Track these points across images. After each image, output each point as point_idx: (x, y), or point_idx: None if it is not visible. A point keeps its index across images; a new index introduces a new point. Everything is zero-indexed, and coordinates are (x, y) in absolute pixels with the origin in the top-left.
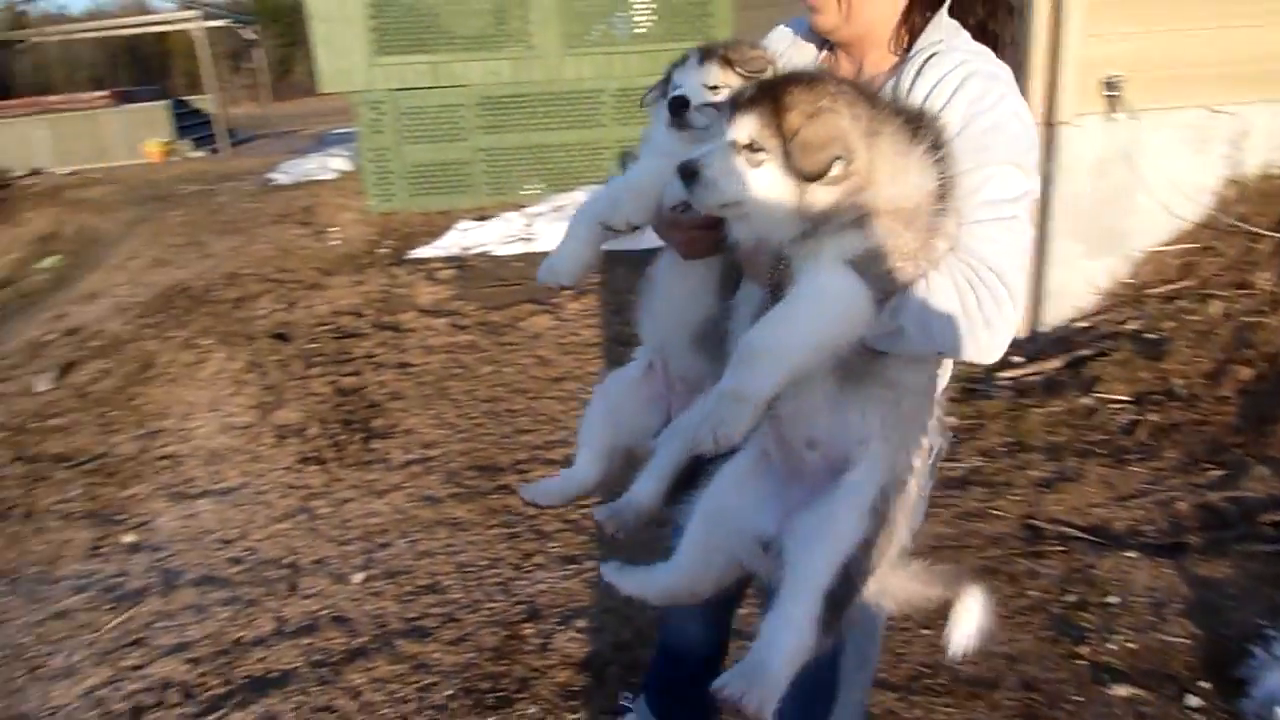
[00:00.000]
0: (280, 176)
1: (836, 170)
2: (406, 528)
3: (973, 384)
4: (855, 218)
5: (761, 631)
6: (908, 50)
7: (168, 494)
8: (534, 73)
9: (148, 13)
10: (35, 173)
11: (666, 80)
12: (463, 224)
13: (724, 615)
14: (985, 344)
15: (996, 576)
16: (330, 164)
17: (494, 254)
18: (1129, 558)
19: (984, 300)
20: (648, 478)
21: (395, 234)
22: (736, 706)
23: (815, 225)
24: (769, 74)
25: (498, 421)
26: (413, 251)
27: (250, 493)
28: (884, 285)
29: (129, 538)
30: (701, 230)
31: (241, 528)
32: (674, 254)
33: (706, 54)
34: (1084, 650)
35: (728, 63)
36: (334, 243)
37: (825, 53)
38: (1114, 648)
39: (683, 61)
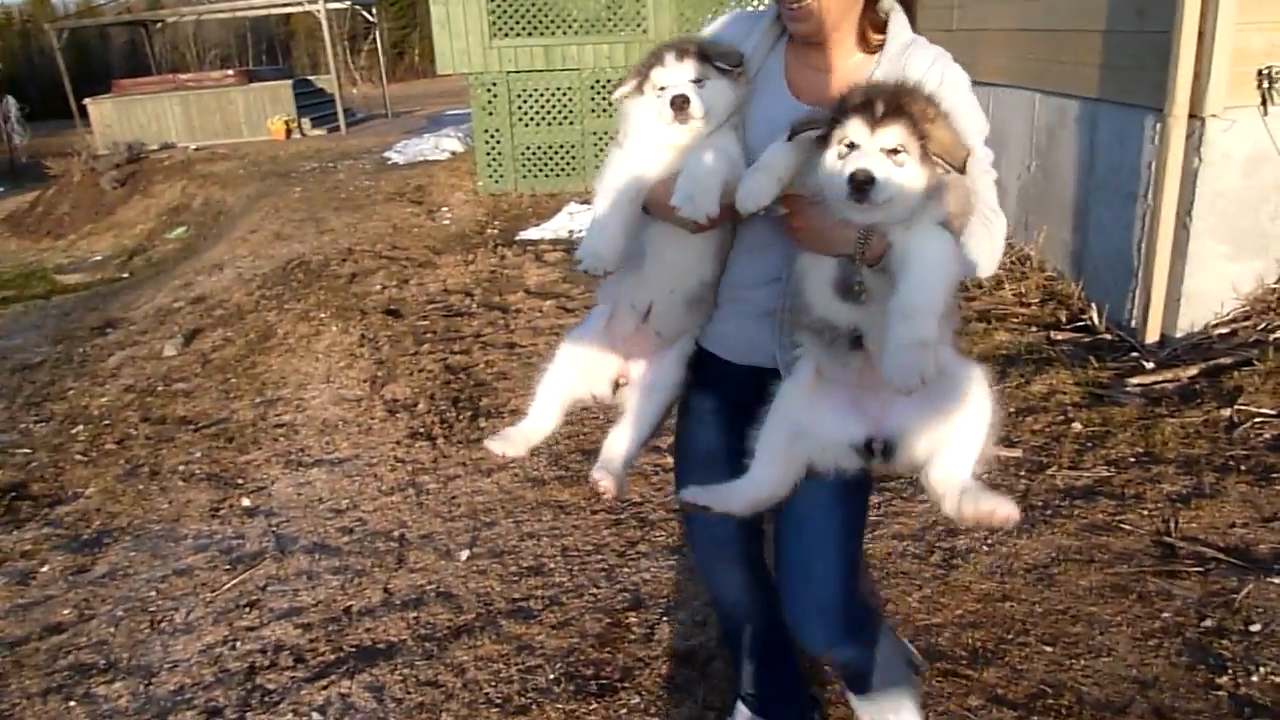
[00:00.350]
0: (395, 156)
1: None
2: (512, 508)
3: (1100, 389)
4: (940, 191)
5: (952, 480)
6: (870, 44)
7: (283, 461)
8: None
9: None
10: (167, 146)
11: (643, 78)
12: (571, 207)
13: (764, 575)
14: (996, 259)
15: (1126, 595)
16: (443, 144)
17: None
18: (1275, 584)
19: (995, 233)
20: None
21: (505, 215)
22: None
23: (924, 203)
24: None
25: (602, 406)
26: (522, 233)
27: (361, 464)
28: (957, 236)
29: (246, 501)
30: (813, 217)
31: (352, 498)
32: (670, 226)
33: (682, 51)
34: (1223, 681)
35: (705, 58)
36: (445, 222)
37: (785, 39)
38: (1257, 680)
39: (659, 59)
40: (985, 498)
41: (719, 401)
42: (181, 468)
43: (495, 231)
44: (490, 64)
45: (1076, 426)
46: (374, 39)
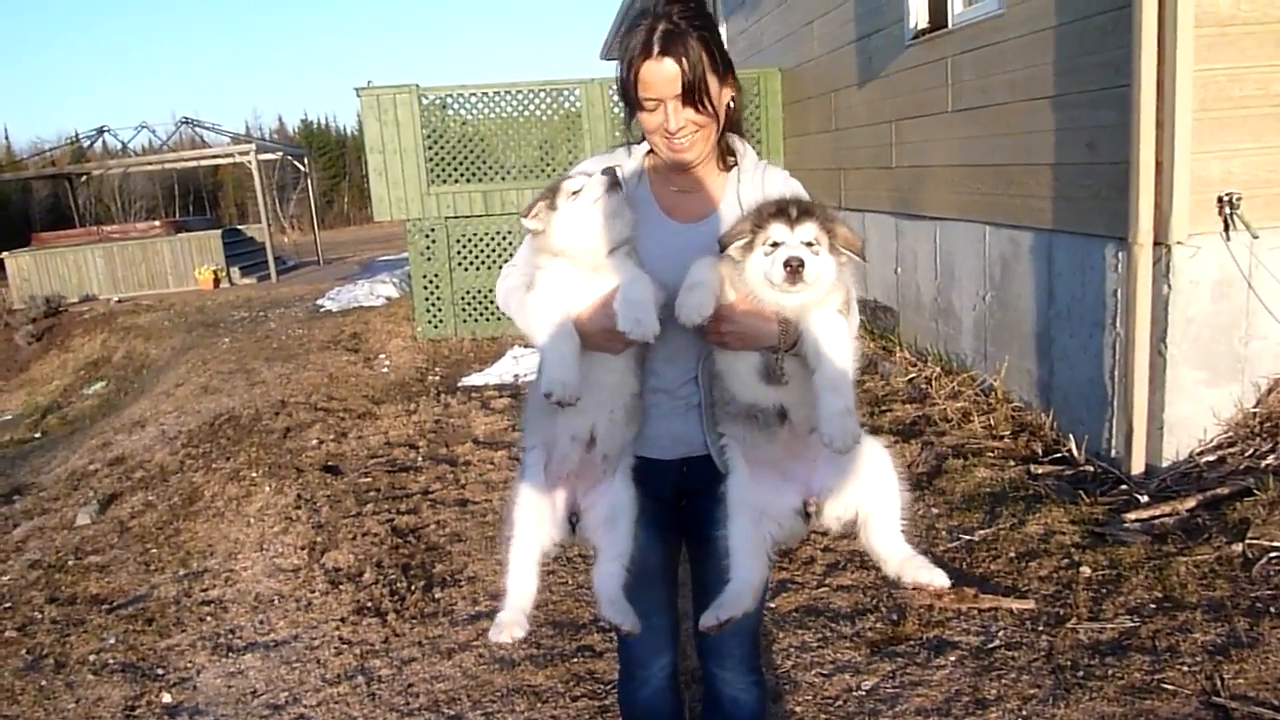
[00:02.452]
0: (329, 303)
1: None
2: (479, 696)
3: (1098, 527)
4: (841, 278)
5: (893, 549)
6: (728, 165)
7: (211, 646)
8: None
9: (203, 147)
10: (88, 299)
11: (552, 194)
12: (515, 350)
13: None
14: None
15: None
16: (378, 290)
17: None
18: None
19: (853, 316)
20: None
21: (446, 361)
22: None
23: (832, 287)
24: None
25: (572, 569)
26: (465, 379)
27: (301, 647)
28: (847, 317)
29: (168, 698)
30: (741, 322)
31: (292, 690)
32: (595, 352)
33: (587, 174)
34: None
35: (612, 181)
36: (384, 370)
37: (646, 175)
38: None
39: (567, 177)
40: (923, 570)
41: (655, 505)
42: (92, 657)
43: (437, 378)
44: (428, 210)
45: (1085, 571)
46: (304, 187)
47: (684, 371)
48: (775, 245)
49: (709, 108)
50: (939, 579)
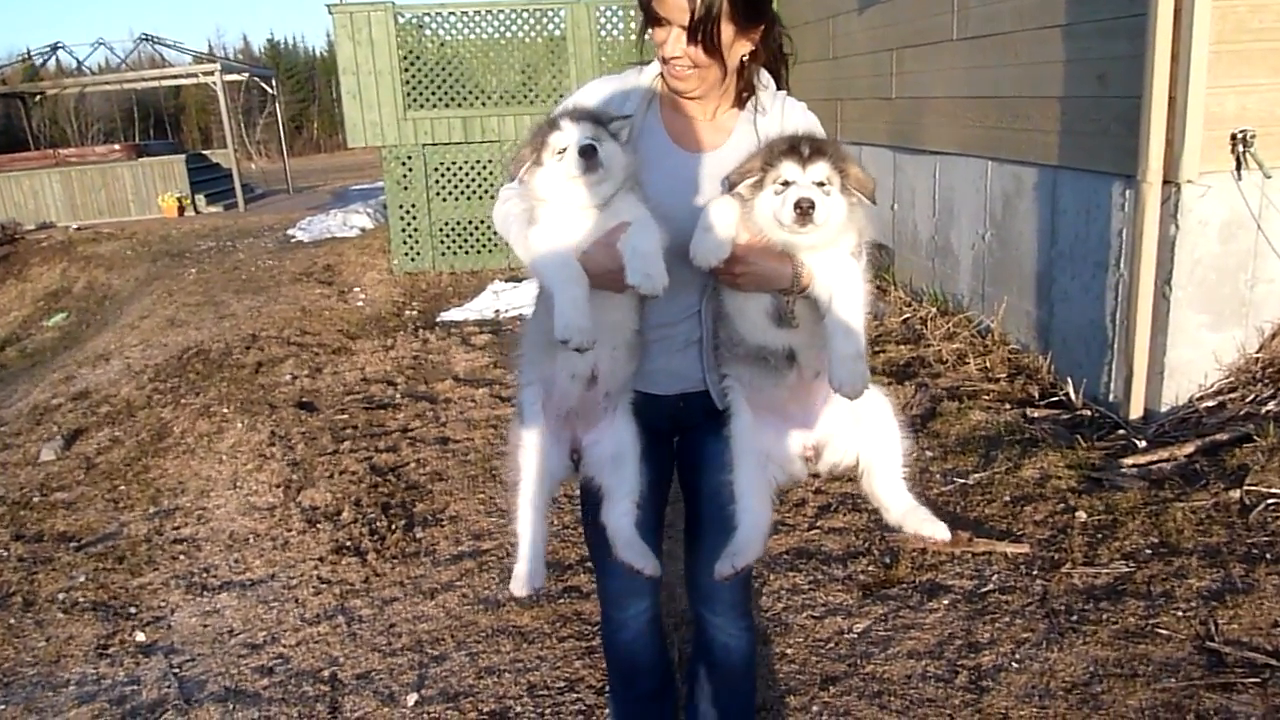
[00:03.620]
0: (300, 233)
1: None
2: (463, 637)
3: (1095, 472)
4: (853, 219)
5: (896, 498)
6: (746, 98)
7: (185, 584)
8: None
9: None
10: (45, 226)
11: (540, 147)
12: (495, 285)
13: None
14: None
15: (1182, 715)
16: (352, 221)
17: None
18: None
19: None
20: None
21: (423, 295)
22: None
23: (845, 228)
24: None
25: (556, 508)
26: (444, 314)
27: (279, 587)
28: (859, 261)
29: (141, 636)
30: (755, 263)
31: (270, 629)
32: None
33: (576, 116)
34: None
35: (598, 121)
36: (359, 304)
37: (659, 98)
38: None
39: (554, 125)
40: (926, 522)
41: (649, 439)
42: (62, 596)
43: (415, 313)
44: (405, 136)
45: (1081, 516)
46: (272, 111)
47: (684, 308)
48: (786, 185)
49: (715, 51)
50: (940, 532)
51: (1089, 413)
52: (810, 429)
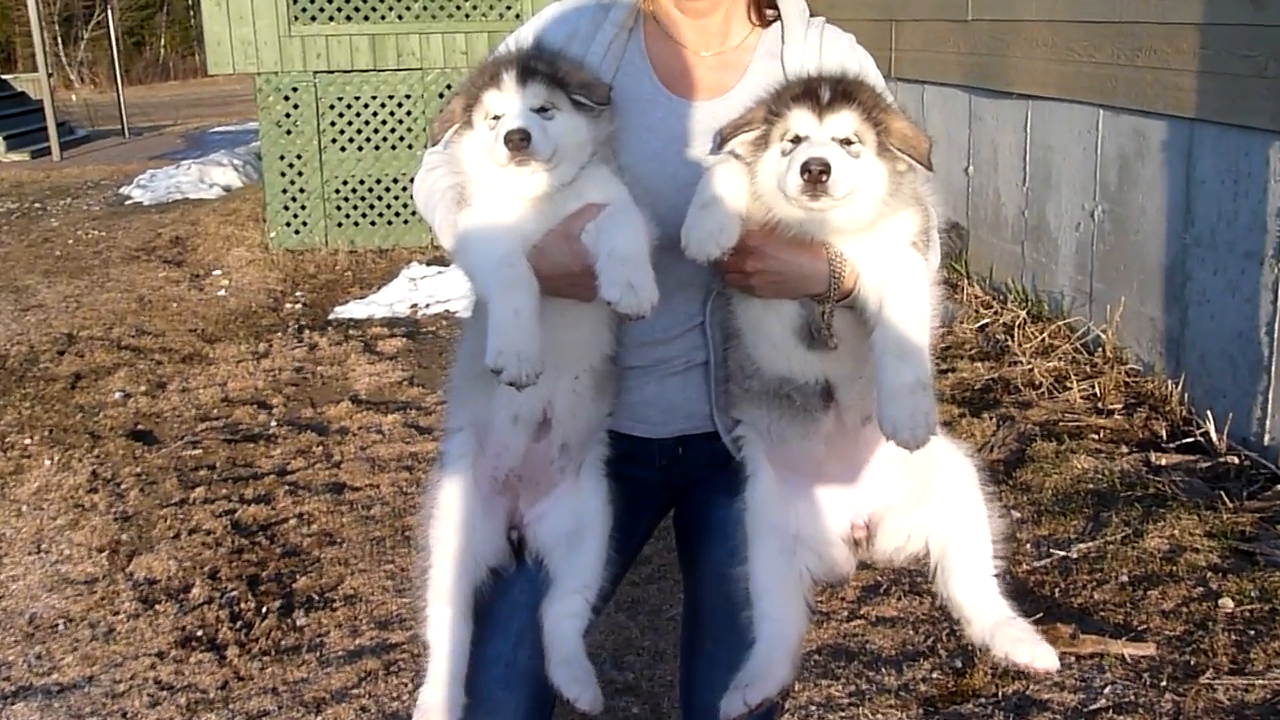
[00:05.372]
0: (139, 193)
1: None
2: None
3: (1246, 542)
4: (904, 195)
5: (981, 605)
6: (765, 19)
7: None
8: None
9: None
10: None
11: (472, 102)
12: (414, 269)
13: None
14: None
15: None
16: (212, 176)
17: (461, 314)
18: None
19: (934, 258)
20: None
21: (312, 281)
22: None
23: (888, 207)
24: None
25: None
26: (340, 309)
27: (99, 694)
28: (924, 255)
29: None
30: (773, 256)
31: None
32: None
33: (527, 69)
34: None
35: (558, 82)
36: (220, 293)
37: (643, 23)
38: None
39: (494, 79)
40: (1023, 643)
41: (628, 506)
42: None
43: (299, 307)
44: (290, 60)
45: (1227, 604)
46: (102, 22)
47: (682, 319)
48: (796, 141)
49: None
50: (1044, 659)
51: (1236, 460)
52: (858, 498)
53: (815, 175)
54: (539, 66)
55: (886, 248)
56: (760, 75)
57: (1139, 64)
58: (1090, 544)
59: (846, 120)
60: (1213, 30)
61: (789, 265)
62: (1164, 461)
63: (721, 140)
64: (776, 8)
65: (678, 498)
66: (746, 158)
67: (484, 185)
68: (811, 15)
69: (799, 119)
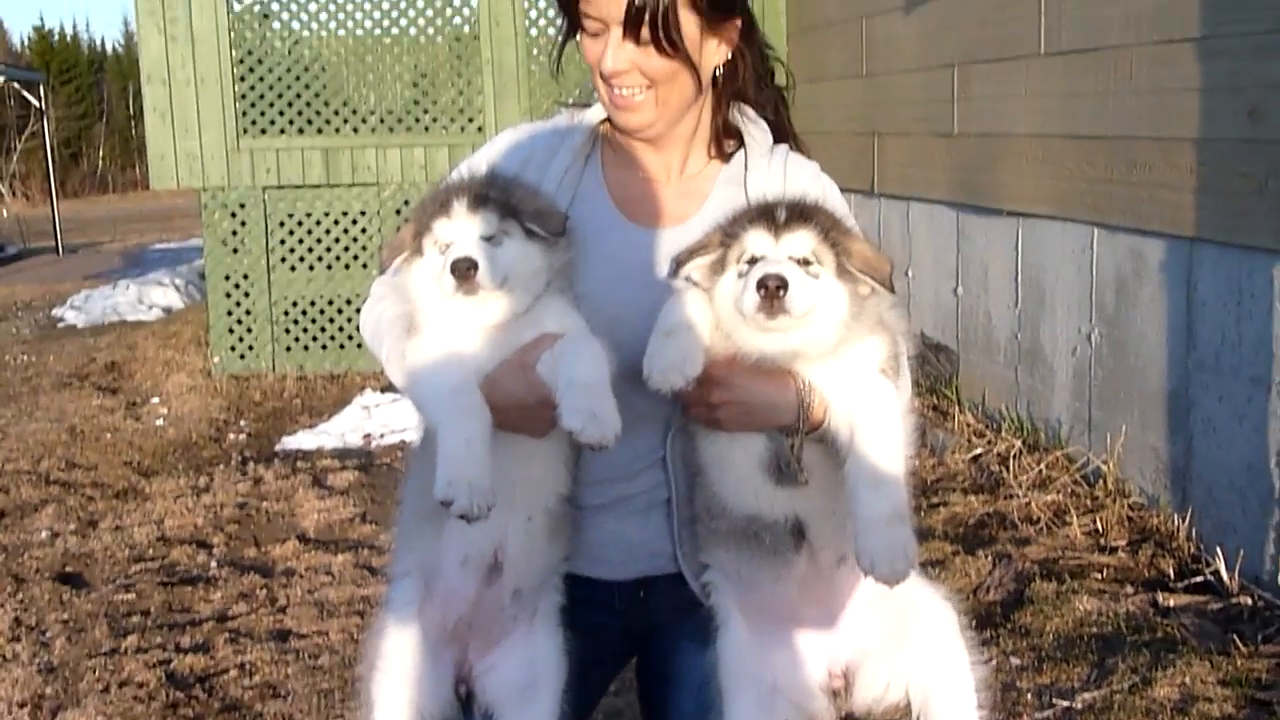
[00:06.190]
0: (72, 314)
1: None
2: None
3: (1263, 690)
4: (867, 319)
5: None
6: (724, 152)
7: None
8: None
9: None
10: None
11: (422, 230)
12: (366, 397)
13: None
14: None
15: None
16: (151, 297)
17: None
18: None
19: (904, 386)
20: None
21: (257, 410)
22: None
23: (846, 336)
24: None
25: None
26: (287, 439)
27: None
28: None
29: None
30: (739, 386)
31: None
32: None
33: (478, 198)
34: None
35: (509, 210)
36: (159, 422)
37: (600, 149)
38: None
39: (444, 207)
40: None
41: (585, 657)
42: None
43: (243, 437)
44: (238, 175)
45: None
46: (37, 132)
47: (643, 453)
48: (753, 262)
49: (676, 49)
50: None
51: (1249, 600)
52: (835, 645)
53: (771, 291)
54: (491, 194)
55: (855, 375)
56: (722, 203)
57: (1134, 180)
58: (1096, 693)
59: (803, 240)
60: (1209, 145)
61: (755, 395)
62: (1172, 602)
63: (677, 265)
64: (737, 138)
65: (638, 645)
66: (704, 283)
67: (434, 314)
68: (778, 141)
69: (755, 239)
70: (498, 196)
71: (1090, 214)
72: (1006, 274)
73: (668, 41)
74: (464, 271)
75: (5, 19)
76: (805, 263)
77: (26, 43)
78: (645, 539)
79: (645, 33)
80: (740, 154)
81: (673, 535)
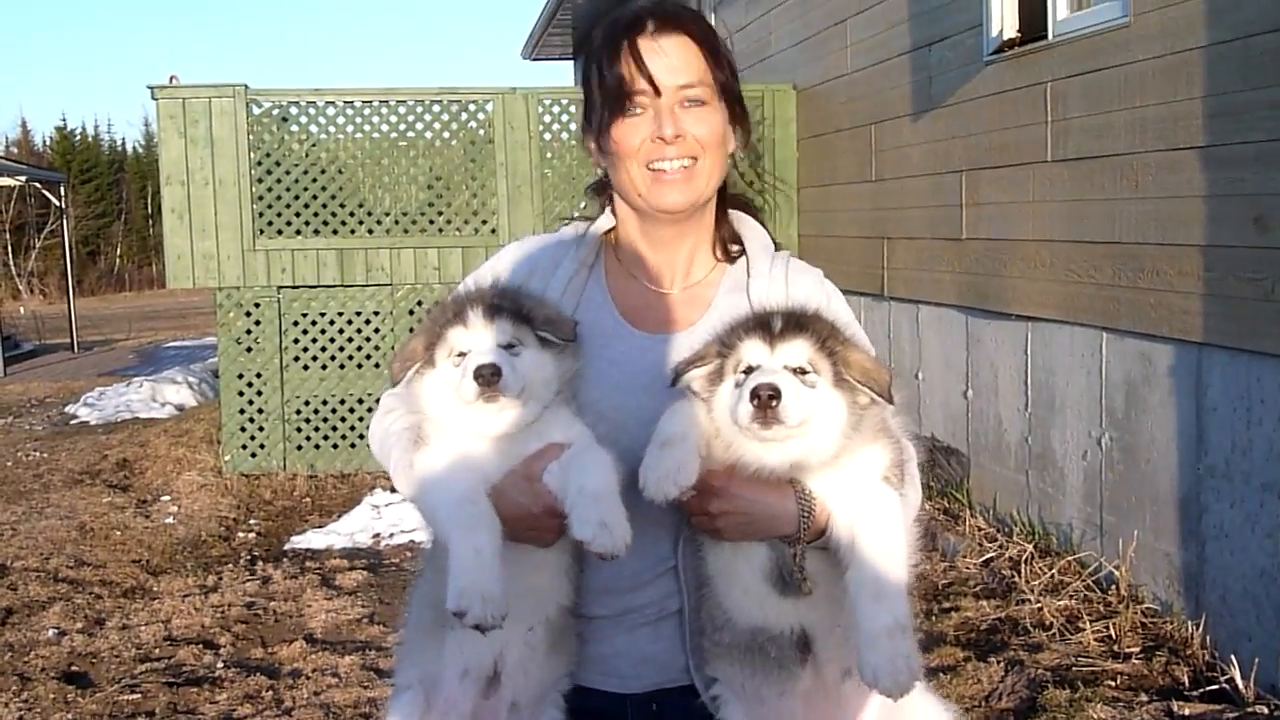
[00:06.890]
0: (85, 411)
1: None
2: None
3: None
4: (866, 428)
5: None
6: (729, 254)
7: None
8: None
9: None
10: None
11: (435, 340)
12: (376, 496)
13: None
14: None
15: None
16: (164, 394)
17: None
18: None
19: (912, 498)
20: None
21: (267, 509)
22: None
23: (846, 445)
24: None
25: None
26: (297, 539)
27: None
28: (898, 490)
29: None
30: (740, 496)
31: None
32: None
33: (493, 307)
34: None
35: (524, 318)
36: (169, 520)
37: (603, 260)
38: None
39: (459, 317)
40: None
41: None
42: None
43: (252, 536)
44: (253, 275)
45: None
46: (57, 231)
47: (654, 561)
48: (749, 372)
49: (736, 113)
50: None
51: (1265, 710)
52: None
53: (765, 400)
54: (504, 303)
55: (856, 484)
56: (725, 310)
57: (1142, 286)
58: None
59: (799, 349)
60: (1216, 252)
61: (755, 505)
62: (1187, 711)
63: (676, 374)
64: (740, 244)
65: None
66: (703, 393)
67: (444, 424)
68: (778, 248)
69: (750, 349)
70: (510, 305)
71: (1098, 318)
72: (1016, 377)
73: (732, 99)
74: (488, 378)
75: (29, 119)
76: (801, 372)
77: (49, 142)
78: (656, 650)
79: (697, 91)
80: (743, 260)
81: (685, 646)
